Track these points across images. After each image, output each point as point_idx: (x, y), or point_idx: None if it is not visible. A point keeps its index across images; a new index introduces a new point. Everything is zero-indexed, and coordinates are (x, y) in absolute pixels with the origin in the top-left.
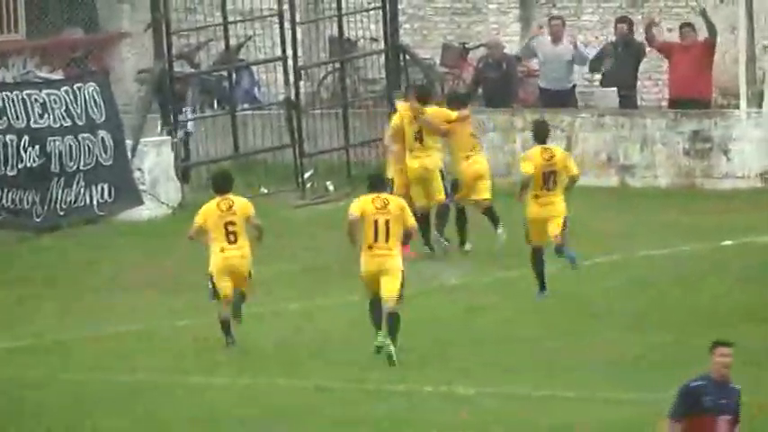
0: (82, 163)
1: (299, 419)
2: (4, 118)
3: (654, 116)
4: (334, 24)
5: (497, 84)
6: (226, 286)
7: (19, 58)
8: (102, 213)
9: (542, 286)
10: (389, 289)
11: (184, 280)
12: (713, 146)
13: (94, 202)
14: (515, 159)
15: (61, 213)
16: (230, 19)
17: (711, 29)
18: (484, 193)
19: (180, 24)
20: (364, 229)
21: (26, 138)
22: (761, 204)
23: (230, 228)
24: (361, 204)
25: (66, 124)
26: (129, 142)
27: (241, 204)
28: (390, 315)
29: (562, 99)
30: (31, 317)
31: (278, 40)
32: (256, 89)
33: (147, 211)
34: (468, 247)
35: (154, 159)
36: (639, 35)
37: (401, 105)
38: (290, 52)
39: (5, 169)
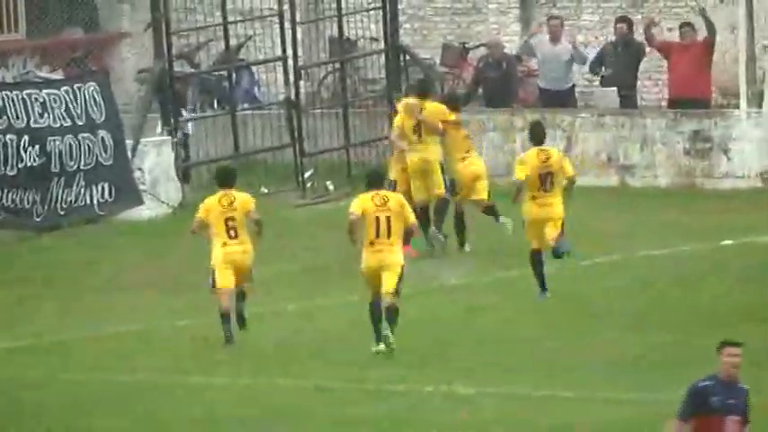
0: (82, 163)
1: (299, 419)
2: (4, 118)
3: (654, 116)
4: (334, 24)
5: (497, 83)
6: (226, 277)
7: (19, 57)
8: (102, 213)
9: (543, 287)
10: (389, 284)
11: (184, 280)
12: (713, 146)
13: (95, 202)
14: (515, 159)
15: (61, 213)
16: (230, 19)
17: (711, 28)
18: (482, 193)
19: (180, 24)
20: (365, 226)
21: (26, 137)
22: (761, 204)
23: (230, 223)
24: (362, 203)
25: (66, 124)
26: (129, 142)
27: (242, 200)
28: (388, 308)
29: (562, 99)
30: (31, 317)
31: (278, 40)
32: (256, 89)
33: (147, 210)
34: (467, 248)
35: (154, 159)
36: (639, 35)
37: (401, 103)
38: (290, 52)
39: (5, 169)
